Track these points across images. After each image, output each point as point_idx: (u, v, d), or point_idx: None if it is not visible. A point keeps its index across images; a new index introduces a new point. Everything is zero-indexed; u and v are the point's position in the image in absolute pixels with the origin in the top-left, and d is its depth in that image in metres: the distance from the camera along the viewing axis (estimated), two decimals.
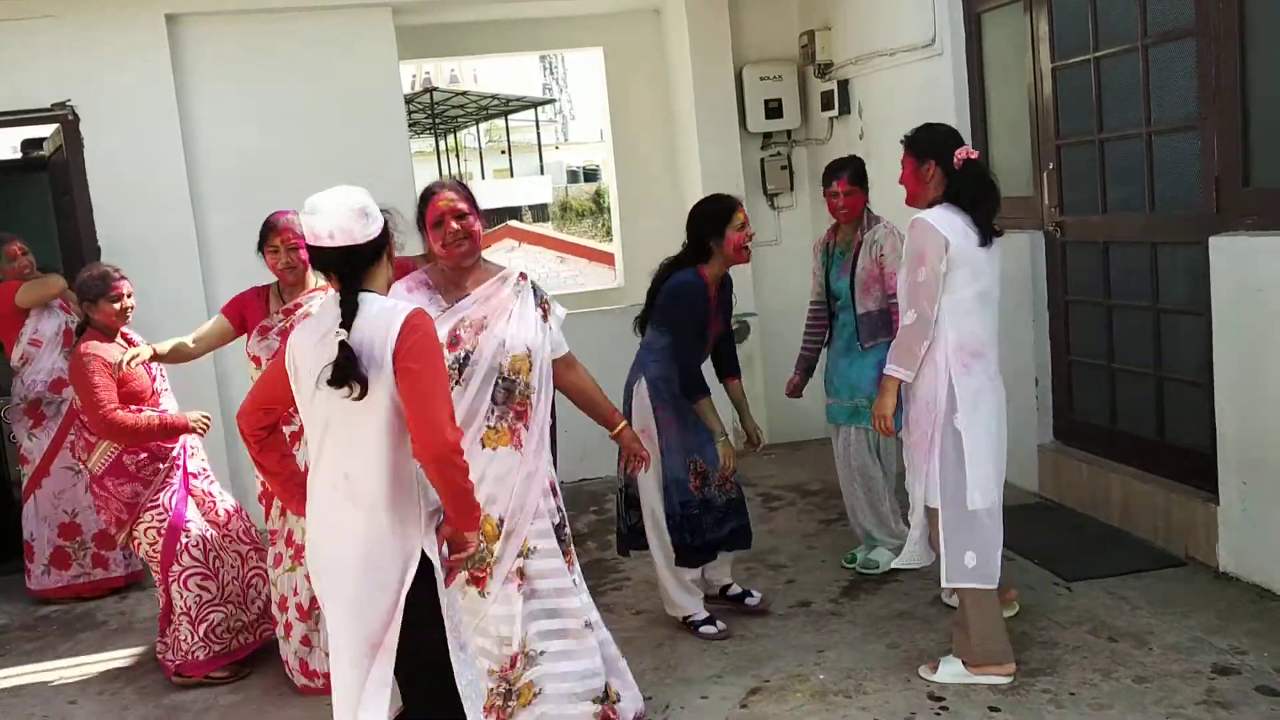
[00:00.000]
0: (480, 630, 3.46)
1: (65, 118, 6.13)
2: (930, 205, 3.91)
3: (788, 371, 7.50)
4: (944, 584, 3.88)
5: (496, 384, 3.46)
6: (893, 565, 4.54)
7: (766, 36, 7.52)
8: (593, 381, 3.84)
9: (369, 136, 6.50)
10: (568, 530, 3.66)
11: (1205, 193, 4.52)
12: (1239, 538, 4.41)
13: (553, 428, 3.94)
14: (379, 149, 6.52)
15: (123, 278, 4.57)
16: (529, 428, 3.52)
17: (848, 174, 4.87)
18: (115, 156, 6.15)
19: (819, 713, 3.76)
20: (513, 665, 3.49)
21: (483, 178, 41.35)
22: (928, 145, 3.97)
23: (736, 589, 4.75)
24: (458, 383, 3.42)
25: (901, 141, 4.05)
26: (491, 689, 3.46)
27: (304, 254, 4.03)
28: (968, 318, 3.82)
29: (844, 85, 7.03)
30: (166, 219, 6.23)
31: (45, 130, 7.00)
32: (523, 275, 3.64)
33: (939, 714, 3.68)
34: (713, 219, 4.43)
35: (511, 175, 41.13)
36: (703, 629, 4.48)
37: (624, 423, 3.90)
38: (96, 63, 6.11)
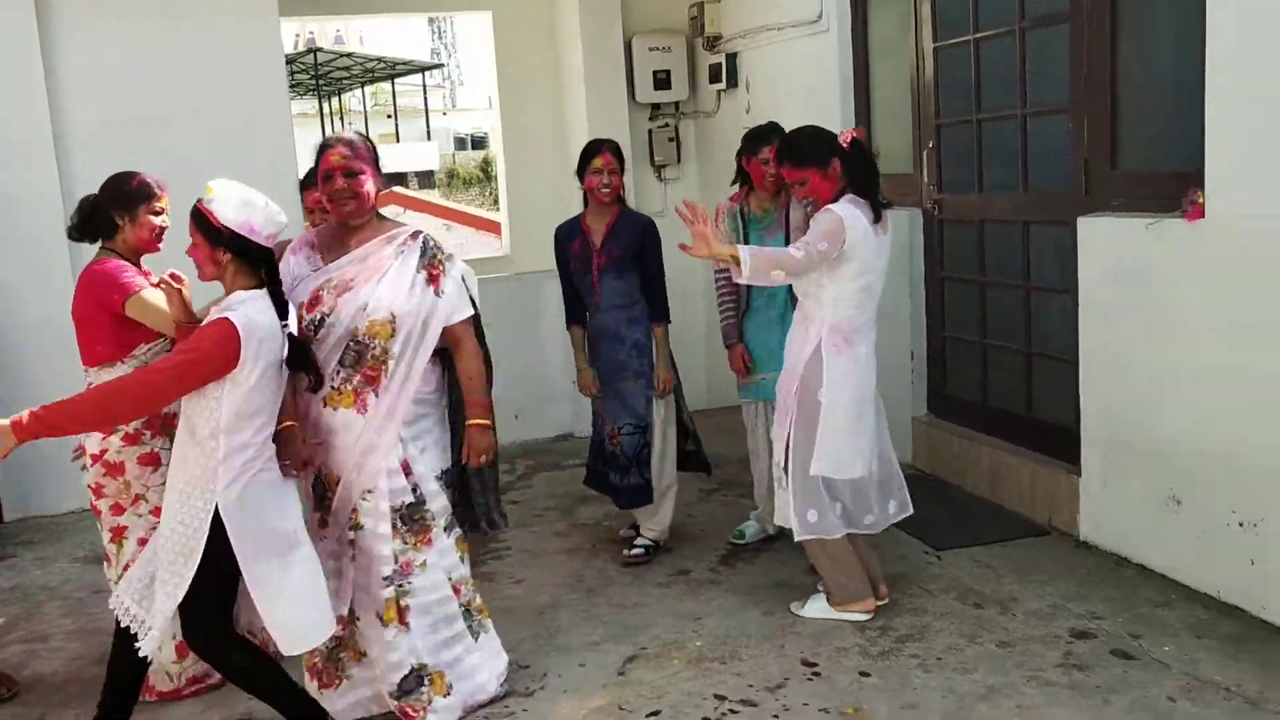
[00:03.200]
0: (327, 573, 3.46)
1: None
2: (835, 198, 4.01)
3: (673, 344, 7.60)
4: (797, 536, 4.14)
5: (347, 347, 3.42)
6: (775, 522, 4.50)
7: (656, 7, 7.51)
8: (476, 362, 3.62)
9: (248, 96, 6.29)
10: (426, 510, 3.55)
11: (1075, 175, 4.67)
12: (1098, 508, 4.60)
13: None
14: (258, 109, 6.31)
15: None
16: (378, 395, 3.44)
17: (778, 140, 4.74)
18: None
19: (695, 679, 3.81)
20: (343, 621, 3.53)
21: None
22: (821, 148, 4.05)
23: (638, 541, 5.00)
24: (315, 342, 3.41)
25: (784, 162, 4.10)
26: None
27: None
28: (847, 307, 4.01)
29: (732, 59, 7.06)
30: (29, 172, 5.95)
31: None
32: (415, 235, 3.54)
33: (811, 679, 3.76)
34: (579, 162, 4.82)
35: (398, 141, 40.37)
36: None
37: (479, 421, 3.60)
38: None
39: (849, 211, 3.94)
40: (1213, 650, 3.72)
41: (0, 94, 5.89)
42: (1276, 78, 3.61)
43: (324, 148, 3.51)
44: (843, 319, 4.01)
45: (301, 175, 4.30)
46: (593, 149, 4.81)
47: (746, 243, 4.78)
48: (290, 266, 3.53)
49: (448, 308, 3.53)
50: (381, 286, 3.43)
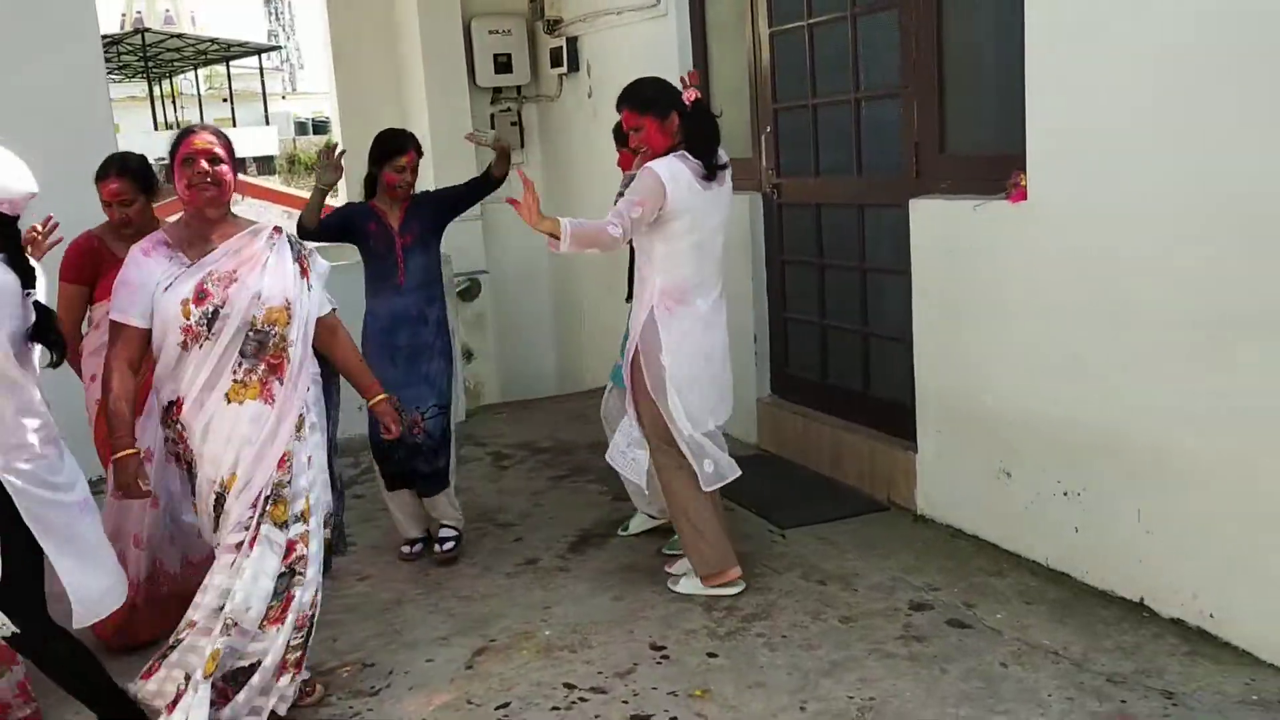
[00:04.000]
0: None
1: None
2: (665, 153, 4.01)
3: (520, 331, 7.57)
4: (703, 487, 4.16)
5: (247, 337, 3.30)
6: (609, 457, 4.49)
7: None
8: (353, 348, 3.72)
9: (60, 75, 5.92)
10: (285, 491, 3.41)
11: (907, 158, 4.78)
12: (934, 483, 4.74)
13: (336, 383, 3.93)
14: (71, 89, 5.95)
15: None
16: (283, 382, 3.35)
17: (618, 138, 4.76)
18: None
19: (545, 668, 3.78)
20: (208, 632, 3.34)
21: None
22: (664, 99, 4.06)
23: (444, 531, 4.86)
24: (208, 338, 3.25)
25: (624, 105, 4.10)
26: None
27: None
28: (679, 265, 4.03)
29: (573, 42, 7.03)
30: None
31: None
32: (277, 229, 3.48)
33: (660, 663, 3.76)
34: (377, 152, 4.69)
35: (234, 125, 38.99)
36: (403, 549, 4.87)
37: (381, 395, 3.73)
38: None
39: (669, 167, 3.95)
40: (1041, 616, 3.86)
41: None
42: (1092, 62, 3.75)
43: (186, 132, 3.39)
44: (676, 279, 4.04)
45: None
46: (395, 145, 4.63)
47: None
48: (151, 267, 3.30)
49: (319, 300, 3.52)
50: (269, 276, 3.35)
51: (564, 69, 7.07)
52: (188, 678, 3.30)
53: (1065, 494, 4.09)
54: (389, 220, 4.68)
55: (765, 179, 5.74)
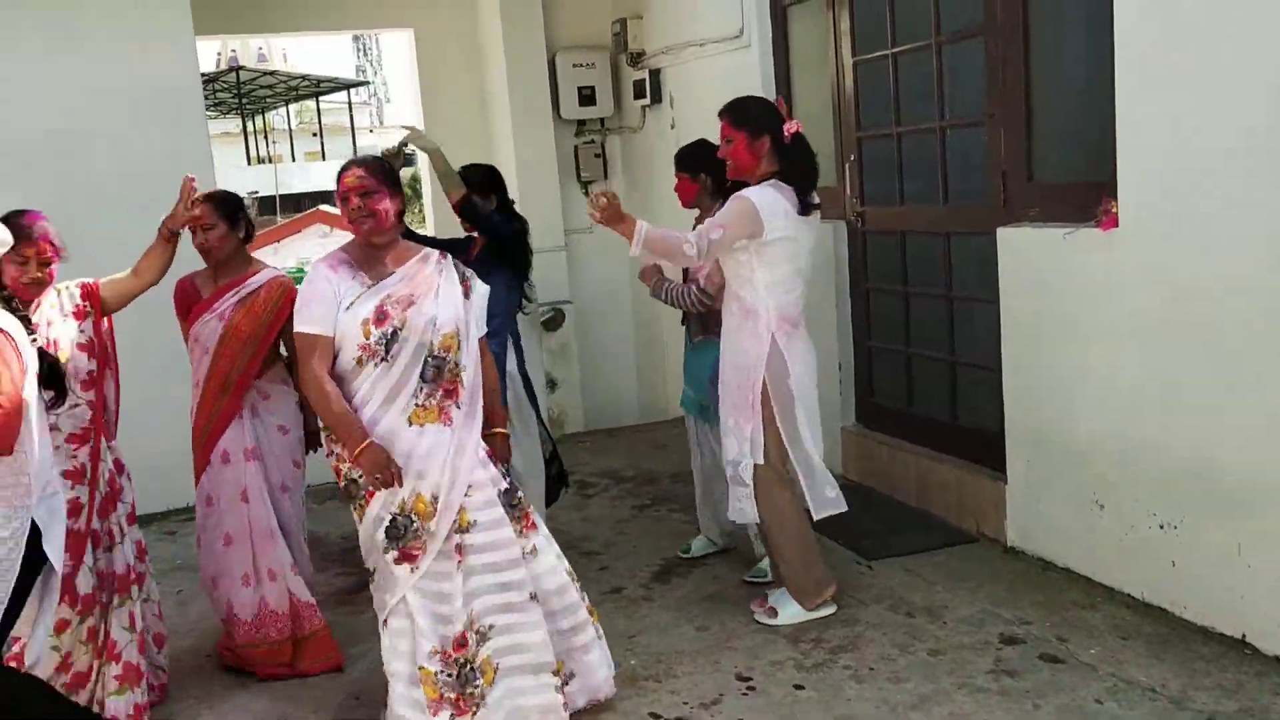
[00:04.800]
0: (415, 610, 3.38)
1: None
2: (759, 180, 4.03)
3: (603, 360, 7.62)
4: (814, 516, 4.20)
5: (426, 361, 3.42)
6: (730, 517, 4.40)
7: (579, 23, 7.52)
8: (494, 372, 3.73)
9: (163, 116, 6.16)
10: (520, 495, 3.58)
11: (993, 186, 4.74)
12: (1024, 514, 4.66)
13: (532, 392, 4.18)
14: (174, 127, 6.18)
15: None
16: (459, 405, 3.47)
17: (676, 161, 4.77)
18: None
19: (630, 698, 3.78)
20: (461, 645, 3.40)
21: (293, 160, 40.06)
22: (761, 119, 4.08)
23: None
24: (384, 359, 3.39)
25: (722, 115, 4.13)
26: (436, 673, 3.37)
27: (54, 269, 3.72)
28: (786, 291, 4.06)
29: (656, 74, 7.09)
30: None
31: None
32: (443, 253, 3.62)
33: (746, 694, 3.75)
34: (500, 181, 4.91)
35: (324, 159, 39.91)
36: None
37: (505, 430, 3.78)
38: None
39: (763, 195, 3.96)
40: (1137, 651, 3.77)
41: None
42: (1184, 88, 3.70)
43: (342, 170, 3.56)
44: (786, 304, 4.07)
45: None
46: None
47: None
48: (336, 283, 3.45)
49: (478, 320, 3.62)
50: (442, 302, 3.48)
51: (647, 101, 7.14)
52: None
53: (1161, 526, 3.99)
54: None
55: (849, 207, 5.72)
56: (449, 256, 3.65)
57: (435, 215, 8.27)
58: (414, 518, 3.40)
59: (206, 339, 4.13)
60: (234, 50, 34.88)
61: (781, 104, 4.29)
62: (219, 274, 4.19)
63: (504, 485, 3.53)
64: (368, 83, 45.20)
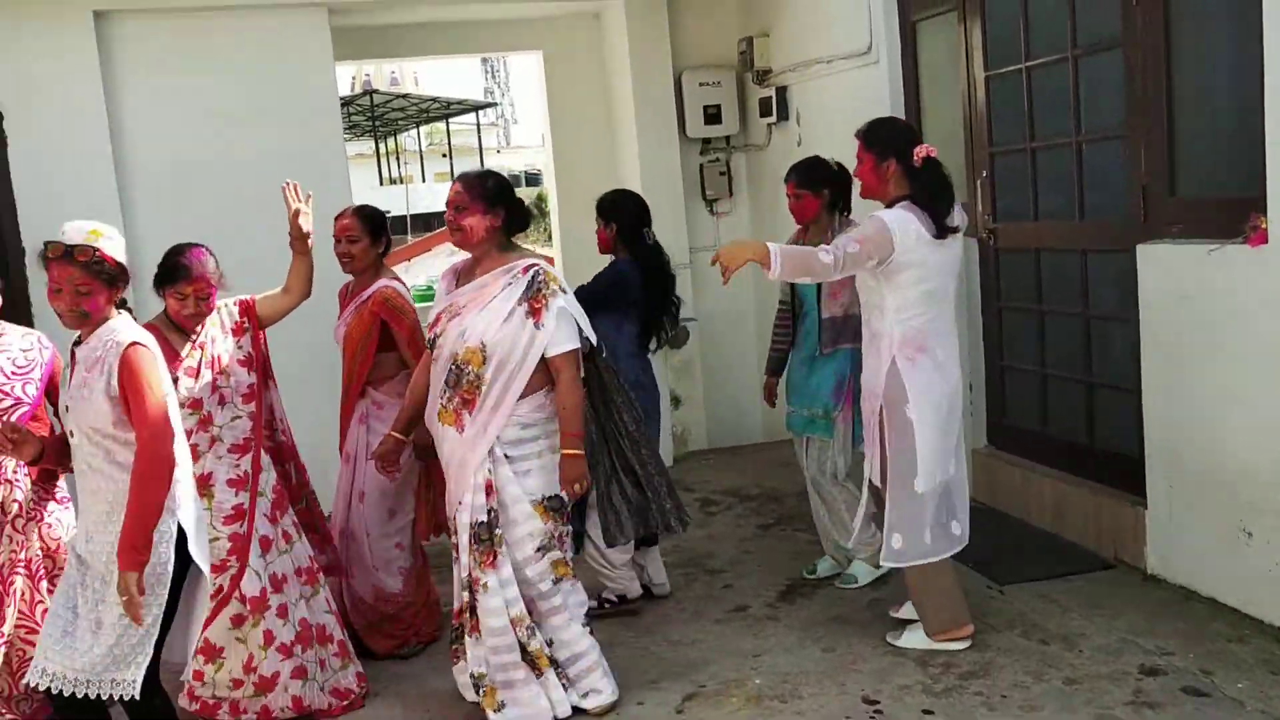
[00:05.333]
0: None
1: None
2: (891, 202, 4.03)
3: (726, 377, 7.60)
4: (881, 561, 4.19)
5: (450, 369, 3.69)
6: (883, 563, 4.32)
7: (705, 42, 7.54)
8: (569, 393, 3.72)
9: (304, 138, 6.40)
10: (496, 532, 3.71)
11: (1133, 201, 4.60)
12: (1166, 540, 4.49)
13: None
14: (314, 151, 6.42)
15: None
16: (473, 416, 3.66)
17: (795, 177, 4.76)
18: (41, 157, 5.99)
19: (755, 717, 3.77)
20: (461, 611, 3.84)
21: (423, 181, 41.07)
22: (889, 142, 4.06)
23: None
24: (435, 359, 3.79)
25: (857, 135, 4.13)
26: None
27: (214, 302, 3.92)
28: (913, 314, 3.99)
29: (782, 92, 7.07)
30: (94, 219, 6.04)
31: None
32: (527, 268, 3.71)
33: (873, 717, 3.70)
34: (646, 213, 4.83)
35: (452, 179, 40.83)
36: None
37: (570, 451, 3.73)
38: (22, 59, 5.95)
39: (895, 217, 3.94)
40: None
41: (66, 144, 6.03)
42: None
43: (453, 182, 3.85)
44: (911, 328, 3.99)
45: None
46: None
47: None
48: (441, 289, 3.92)
49: (546, 339, 3.67)
50: (480, 316, 3.67)
51: (773, 118, 7.12)
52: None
53: None
54: None
55: (981, 224, 5.61)
56: (534, 271, 3.69)
57: (562, 233, 8.39)
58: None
59: (340, 344, 4.50)
60: (368, 74, 35.93)
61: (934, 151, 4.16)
62: (355, 284, 4.43)
63: (482, 518, 3.70)
64: (496, 104, 46.19)
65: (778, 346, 5.07)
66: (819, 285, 4.69)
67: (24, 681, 3.35)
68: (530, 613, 3.77)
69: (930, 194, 3.99)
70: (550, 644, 3.81)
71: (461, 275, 3.86)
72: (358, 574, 4.49)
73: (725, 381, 7.60)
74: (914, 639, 4.16)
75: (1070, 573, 4.71)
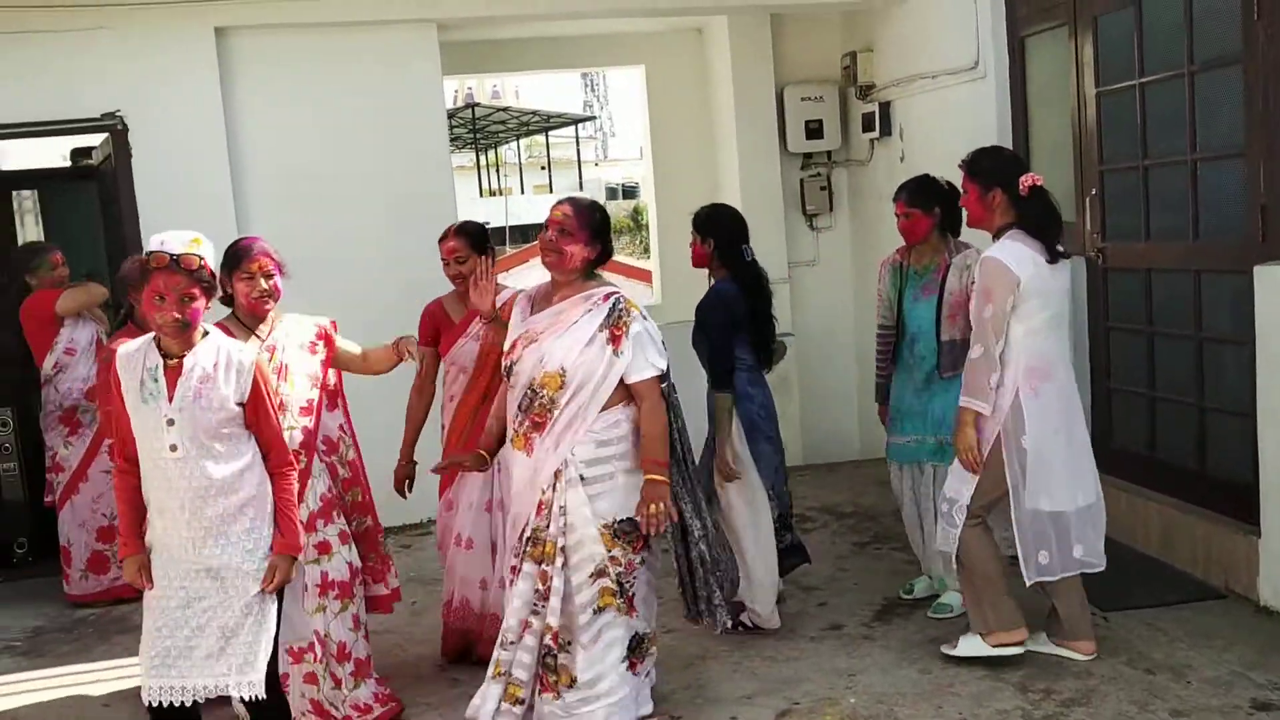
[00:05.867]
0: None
1: (115, 128, 6.19)
2: (998, 232, 4.05)
3: (823, 393, 7.56)
4: (1028, 583, 4.08)
5: (525, 394, 3.68)
6: (936, 546, 4.40)
7: (808, 57, 7.53)
8: (653, 419, 3.69)
9: (411, 151, 6.55)
10: (533, 549, 3.71)
11: (1250, 221, 4.48)
12: None
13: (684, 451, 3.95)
14: (421, 163, 6.56)
15: None
16: (542, 438, 3.67)
17: (904, 195, 4.69)
18: (162, 167, 6.21)
19: None
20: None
21: (522, 193, 41.53)
22: (993, 173, 4.08)
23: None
24: (510, 385, 3.76)
25: (960, 166, 4.16)
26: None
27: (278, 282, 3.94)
28: (1040, 343, 3.99)
29: (885, 107, 7.02)
30: (211, 230, 6.16)
31: (95, 139, 7.11)
32: (607, 296, 3.71)
33: None
34: (744, 229, 4.75)
35: (551, 191, 41.18)
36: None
37: (654, 477, 3.65)
38: (147, 74, 6.18)
39: (1010, 251, 3.96)
40: None
41: (186, 155, 6.24)
42: None
43: (557, 201, 3.80)
44: (1039, 357, 4.00)
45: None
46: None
47: (902, 296, 4.74)
48: (516, 317, 3.83)
49: (624, 366, 3.65)
50: (559, 341, 3.64)
51: (876, 133, 7.07)
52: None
53: None
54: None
55: (1089, 243, 5.50)
56: (614, 299, 3.68)
57: (660, 246, 8.43)
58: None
59: (464, 359, 4.46)
60: (470, 87, 36.49)
61: (1040, 180, 4.11)
62: (468, 299, 4.40)
63: (528, 534, 3.73)
64: (595, 118, 46.51)
65: (883, 373, 4.89)
66: (936, 308, 4.60)
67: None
68: (557, 641, 3.69)
69: (1039, 224, 4.00)
70: (575, 677, 3.70)
71: (538, 301, 3.83)
72: (493, 587, 4.43)
73: (822, 398, 7.56)
74: (969, 646, 4.15)
75: (1178, 601, 4.59)
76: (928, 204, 4.63)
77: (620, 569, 3.70)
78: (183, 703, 3.21)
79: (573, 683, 3.70)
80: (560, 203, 3.77)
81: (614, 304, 3.68)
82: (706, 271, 4.75)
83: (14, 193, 8.23)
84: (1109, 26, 5.29)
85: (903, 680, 4.13)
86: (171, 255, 3.20)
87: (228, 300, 3.92)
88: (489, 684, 3.78)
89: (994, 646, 4.10)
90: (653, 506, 3.63)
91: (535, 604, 3.71)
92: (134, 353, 3.28)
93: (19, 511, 6.43)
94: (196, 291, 3.23)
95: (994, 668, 4.12)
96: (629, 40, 7.97)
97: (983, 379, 3.98)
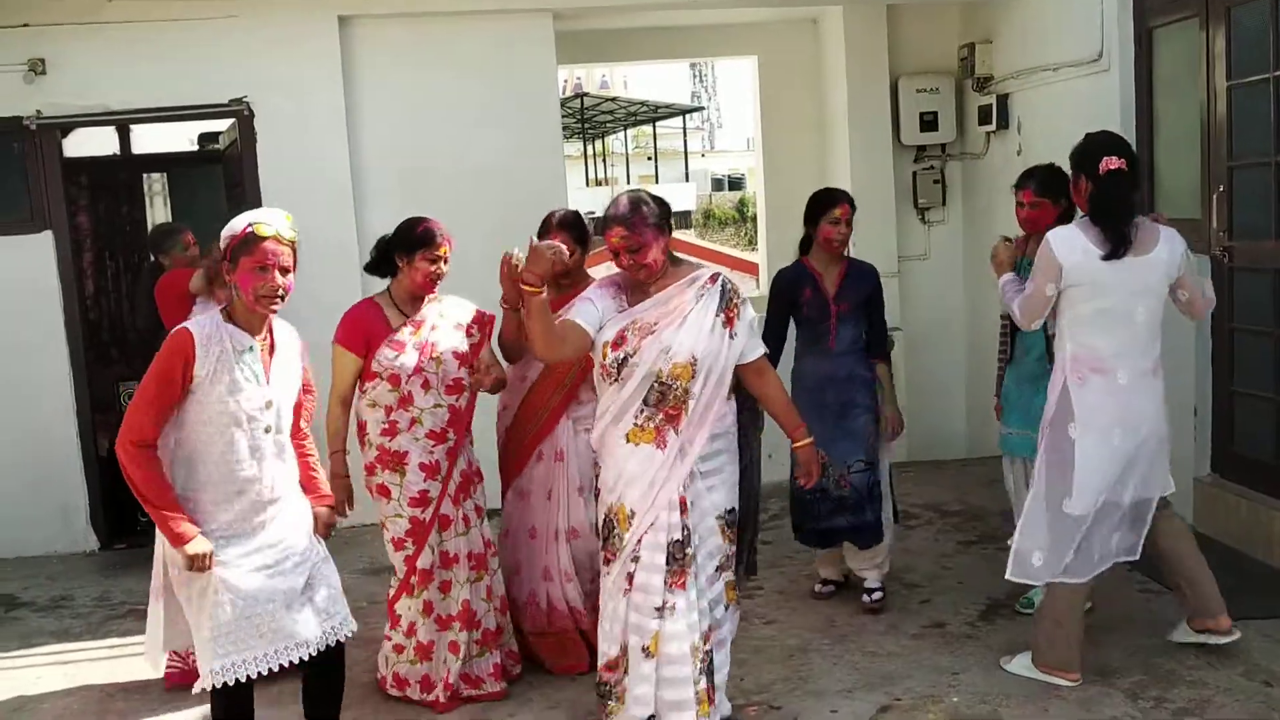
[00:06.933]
0: (604, 614, 3.65)
1: (241, 113, 6.40)
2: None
3: (930, 388, 7.45)
4: (1007, 575, 4.06)
5: (651, 387, 3.51)
6: None
7: (924, 48, 7.42)
8: (782, 390, 3.81)
9: (525, 139, 6.62)
10: (688, 551, 3.53)
11: None
12: None
13: (753, 434, 4.03)
14: (533, 152, 6.64)
15: None
16: (678, 432, 3.53)
17: (1034, 184, 4.58)
18: (285, 152, 6.40)
19: None
20: (611, 668, 3.60)
21: (628, 182, 41.68)
22: (1077, 160, 4.03)
23: (871, 582, 4.88)
24: (616, 380, 3.53)
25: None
26: (597, 684, 3.66)
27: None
28: (1085, 333, 3.92)
29: (1003, 100, 6.89)
30: (330, 214, 6.41)
31: (221, 125, 7.35)
32: (714, 278, 3.64)
33: None
34: (812, 208, 4.82)
35: (657, 181, 41.30)
36: (815, 587, 5.05)
37: (808, 439, 3.80)
38: (272, 61, 6.37)
39: (1063, 236, 3.93)
40: None
41: (307, 141, 6.42)
42: None
43: (605, 226, 3.61)
44: (1086, 348, 3.91)
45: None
46: (830, 199, 4.80)
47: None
48: (604, 299, 3.65)
49: (740, 348, 3.63)
50: (684, 331, 3.53)
51: (992, 126, 6.94)
52: None
53: None
54: (824, 285, 4.77)
55: (1215, 241, 5.33)
56: (723, 281, 3.65)
57: (767, 240, 8.39)
58: (614, 523, 3.57)
59: (526, 367, 4.38)
60: (579, 77, 36.75)
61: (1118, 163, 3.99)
62: (557, 286, 4.38)
63: (677, 536, 3.51)
64: (703, 108, 46.48)
65: (1003, 365, 4.85)
66: None
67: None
68: (705, 641, 3.58)
69: (1101, 209, 3.89)
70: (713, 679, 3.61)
71: (628, 289, 3.67)
72: (587, 577, 4.36)
73: (930, 394, 7.45)
74: (1021, 664, 4.09)
75: None
76: (1057, 194, 4.53)
77: (730, 560, 3.70)
78: (281, 666, 3.22)
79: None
80: (610, 228, 3.57)
81: (723, 286, 3.63)
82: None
83: (145, 175, 8.58)
84: (1243, 17, 5.11)
85: (1007, 681, 4.07)
86: (280, 227, 3.24)
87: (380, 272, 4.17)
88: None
89: (1042, 673, 4.02)
90: (814, 468, 3.78)
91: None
92: (212, 333, 3.19)
93: None
94: (292, 265, 3.26)
95: (1104, 674, 4.04)
96: (742, 30, 7.94)
97: (1011, 297, 4.12)
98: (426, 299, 4.14)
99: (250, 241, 3.18)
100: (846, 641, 4.53)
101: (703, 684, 3.54)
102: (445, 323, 4.14)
